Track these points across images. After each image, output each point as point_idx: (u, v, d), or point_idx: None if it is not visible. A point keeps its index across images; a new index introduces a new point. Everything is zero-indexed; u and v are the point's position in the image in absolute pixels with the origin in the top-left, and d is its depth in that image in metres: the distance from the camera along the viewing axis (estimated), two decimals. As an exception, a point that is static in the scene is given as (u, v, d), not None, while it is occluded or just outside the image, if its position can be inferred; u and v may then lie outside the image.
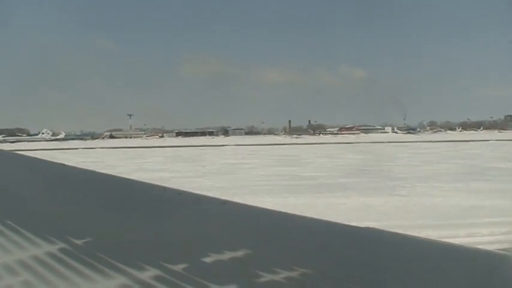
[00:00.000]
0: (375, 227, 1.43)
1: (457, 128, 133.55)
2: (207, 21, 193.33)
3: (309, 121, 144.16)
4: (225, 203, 1.81)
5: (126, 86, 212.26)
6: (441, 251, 1.23)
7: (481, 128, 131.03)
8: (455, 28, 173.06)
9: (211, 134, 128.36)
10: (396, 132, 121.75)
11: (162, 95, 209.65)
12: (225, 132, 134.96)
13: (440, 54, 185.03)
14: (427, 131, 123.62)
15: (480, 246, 1.29)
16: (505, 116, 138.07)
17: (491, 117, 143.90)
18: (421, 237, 1.34)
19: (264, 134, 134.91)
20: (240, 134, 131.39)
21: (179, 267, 0.99)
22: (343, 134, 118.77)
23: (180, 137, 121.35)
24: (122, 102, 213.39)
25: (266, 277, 0.94)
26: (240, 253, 1.08)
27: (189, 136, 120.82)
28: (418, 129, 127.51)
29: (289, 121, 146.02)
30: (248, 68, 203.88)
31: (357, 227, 1.43)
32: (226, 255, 1.06)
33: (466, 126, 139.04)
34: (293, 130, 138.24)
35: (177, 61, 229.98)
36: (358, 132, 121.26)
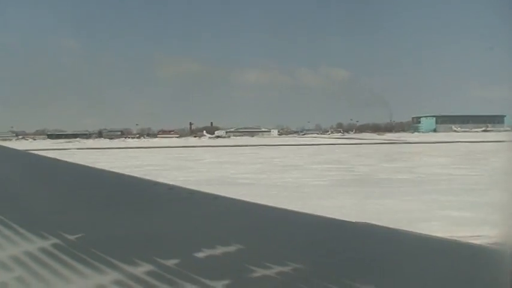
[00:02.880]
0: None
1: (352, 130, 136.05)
2: (183, 22, 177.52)
3: (211, 123, 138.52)
4: (217, 198, 1.82)
5: (97, 87, 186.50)
6: (435, 245, 1.23)
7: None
8: (440, 27, 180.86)
9: (84, 136, 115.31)
10: (281, 134, 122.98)
11: (133, 96, 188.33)
12: (99, 134, 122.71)
13: (429, 53, 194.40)
14: (317, 133, 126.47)
15: (476, 242, 1.30)
16: (412, 118, 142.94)
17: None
18: (415, 232, 1.33)
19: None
20: (115, 136, 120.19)
21: (172, 263, 0.99)
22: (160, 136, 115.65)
23: (48, 139, 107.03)
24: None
25: (259, 272, 0.93)
26: (232, 248, 1.07)
27: (60, 138, 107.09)
28: (304, 132, 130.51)
29: (190, 123, 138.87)
30: (227, 70, 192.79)
31: (351, 222, 1.42)
32: (219, 250, 1.05)
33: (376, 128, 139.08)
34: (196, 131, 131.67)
35: (151, 63, 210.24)
36: (178, 135, 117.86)
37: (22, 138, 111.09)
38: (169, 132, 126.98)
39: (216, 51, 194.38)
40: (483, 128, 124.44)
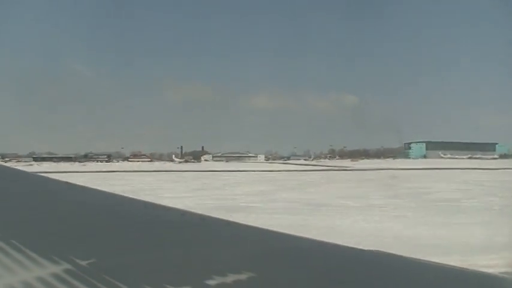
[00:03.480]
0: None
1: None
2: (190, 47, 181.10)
3: (202, 147, 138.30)
4: (229, 224, 1.83)
5: (108, 111, 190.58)
6: (450, 275, 1.21)
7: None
8: (450, 54, 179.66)
9: (68, 159, 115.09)
10: (268, 160, 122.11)
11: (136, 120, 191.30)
12: (85, 157, 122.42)
13: (438, 79, 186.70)
14: (307, 159, 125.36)
15: (491, 271, 1.29)
16: (404, 143, 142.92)
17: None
18: (429, 261, 1.31)
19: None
20: (101, 159, 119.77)
21: None
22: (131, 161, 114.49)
23: (34, 162, 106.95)
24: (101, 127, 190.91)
25: None
26: (243, 276, 1.06)
27: (45, 161, 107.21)
28: (285, 158, 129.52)
29: (181, 147, 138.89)
30: (234, 94, 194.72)
31: (364, 250, 1.41)
32: (230, 278, 1.04)
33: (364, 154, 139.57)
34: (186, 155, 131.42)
35: (158, 87, 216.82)
36: (150, 159, 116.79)
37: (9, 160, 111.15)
38: (140, 156, 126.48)
39: (220, 75, 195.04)
40: (469, 156, 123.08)
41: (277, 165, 73.56)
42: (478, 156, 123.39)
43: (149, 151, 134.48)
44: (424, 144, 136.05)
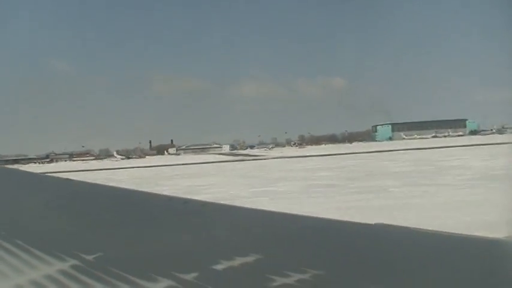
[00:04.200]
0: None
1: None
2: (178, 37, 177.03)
3: (171, 140, 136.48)
4: (232, 208, 1.87)
5: (94, 105, 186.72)
6: (452, 242, 1.23)
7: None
8: (438, 32, 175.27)
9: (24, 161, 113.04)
10: (236, 149, 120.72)
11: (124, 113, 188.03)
12: (46, 157, 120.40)
13: (427, 57, 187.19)
14: (267, 147, 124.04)
15: (491, 236, 1.29)
16: (372, 126, 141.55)
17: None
18: (431, 230, 1.34)
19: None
20: (62, 159, 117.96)
21: (191, 276, 1.00)
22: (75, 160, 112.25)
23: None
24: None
25: (278, 281, 0.94)
26: (250, 258, 1.08)
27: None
28: (256, 146, 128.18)
29: (150, 141, 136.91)
30: (223, 85, 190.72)
31: (365, 223, 1.42)
32: (237, 262, 1.07)
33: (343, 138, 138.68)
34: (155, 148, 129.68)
35: (148, 79, 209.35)
36: (94, 157, 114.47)
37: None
38: (84, 154, 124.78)
39: (207, 65, 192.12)
40: (433, 134, 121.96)
41: (213, 157, 72.28)
42: (445, 134, 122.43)
43: (120, 147, 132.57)
44: (390, 126, 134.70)
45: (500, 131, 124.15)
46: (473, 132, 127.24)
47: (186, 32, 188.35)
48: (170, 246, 1.31)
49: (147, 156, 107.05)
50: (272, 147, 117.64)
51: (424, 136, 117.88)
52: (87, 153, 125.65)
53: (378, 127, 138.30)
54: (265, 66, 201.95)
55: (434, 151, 43.15)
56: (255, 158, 58.33)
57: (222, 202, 1.95)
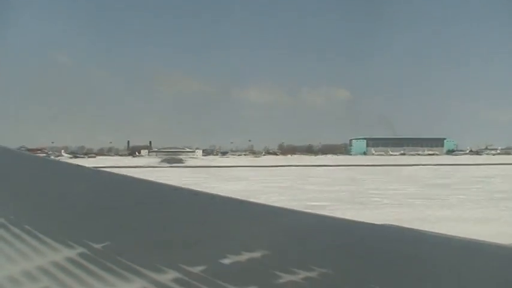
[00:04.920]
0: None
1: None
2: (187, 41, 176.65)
3: (150, 142, 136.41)
4: (242, 202, 1.85)
5: (97, 104, 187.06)
6: (462, 246, 1.24)
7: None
8: (442, 48, 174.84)
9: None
10: (206, 155, 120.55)
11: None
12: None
13: (429, 75, 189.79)
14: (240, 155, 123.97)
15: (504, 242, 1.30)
16: (350, 140, 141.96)
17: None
18: (440, 233, 1.34)
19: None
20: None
21: (198, 269, 1.00)
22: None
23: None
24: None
25: (285, 278, 0.95)
26: (257, 254, 1.09)
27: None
28: (229, 153, 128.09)
29: (128, 141, 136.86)
30: (228, 89, 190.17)
31: (375, 224, 1.44)
32: (244, 256, 1.08)
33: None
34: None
35: (151, 80, 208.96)
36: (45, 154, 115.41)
37: None
38: (35, 150, 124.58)
39: (212, 69, 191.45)
40: (401, 152, 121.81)
41: (148, 161, 72.93)
42: (418, 152, 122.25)
43: (101, 145, 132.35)
44: (365, 141, 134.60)
45: (478, 152, 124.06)
46: (450, 152, 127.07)
47: (190, 34, 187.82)
48: (178, 238, 1.30)
49: (98, 157, 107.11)
50: (239, 155, 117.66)
51: (393, 153, 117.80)
52: (39, 150, 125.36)
53: (353, 141, 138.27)
54: (267, 74, 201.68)
55: (355, 168, 42.70)
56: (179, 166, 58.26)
57: (232, 196, 1.95)
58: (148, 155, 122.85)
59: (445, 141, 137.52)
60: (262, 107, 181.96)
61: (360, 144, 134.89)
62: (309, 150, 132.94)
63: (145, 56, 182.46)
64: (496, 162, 53.62)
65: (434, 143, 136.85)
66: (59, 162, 4.06)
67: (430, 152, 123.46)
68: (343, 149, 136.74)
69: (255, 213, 1.69)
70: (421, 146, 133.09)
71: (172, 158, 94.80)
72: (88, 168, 3.07)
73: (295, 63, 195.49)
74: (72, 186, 2.43)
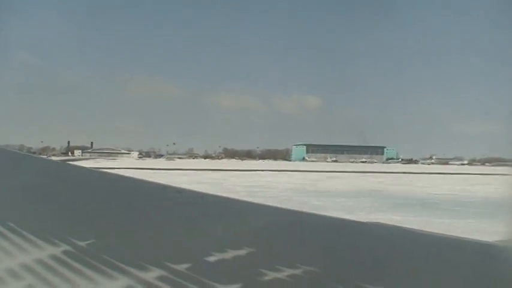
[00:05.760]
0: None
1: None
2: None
3: (91, 143, 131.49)
4: (227, 200, 1.85)
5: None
6: (445, 243, 1.26)
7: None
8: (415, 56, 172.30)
9: None
10: (141, 157, 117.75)
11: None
12: None
13: (405, 82, 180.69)
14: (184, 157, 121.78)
15: (482, 239, 1.30)
16: (293, 145, 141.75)
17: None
18: (426, 231, 1.37)
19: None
20: None
21: (183, 267, 0.99)
22: None
23: None
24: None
25: (270, 275, 0.93)
26: (243, 252, 1.08)
27: None
28: (165, 156, 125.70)
29: (68, 142, 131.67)
30: (196, 93, 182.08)
31: (362, 222, 1.44)
32: (230, 254, 1.06)
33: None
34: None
35: (118, 82, 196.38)
36: None
37: None
38: None
39: (184, 73, 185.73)
40: (334, 159, 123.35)
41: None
42: (351, 159, 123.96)
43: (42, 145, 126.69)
44: (305, 147, 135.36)
45: (415, 160, 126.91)
46: (388, 160, 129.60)
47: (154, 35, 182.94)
48: (163, 236, 1.29)
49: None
50: (173, 158, 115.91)
51: (327, 160, 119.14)
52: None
53: (293, 147, 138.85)
54: (238, 79, 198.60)
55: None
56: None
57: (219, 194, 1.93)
58: (82, 155, 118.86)
59: (385, 149, 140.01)
60: (230, 112, 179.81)
61: (299, 150, 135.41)
62: (249, 155, 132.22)
63: (110, 57, 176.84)
64: (398, 171, 54.18)
65: (375, 151, 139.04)
66: (44, 160, 4.02)
67: (363, 160, 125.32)
68: (285, 155, 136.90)
69: (240, 211, 1.70)
70: (365, 154, 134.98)
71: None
72: (75, 166, 3.06)
73: (268, 68, 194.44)
74: (56, 185, 2.37)
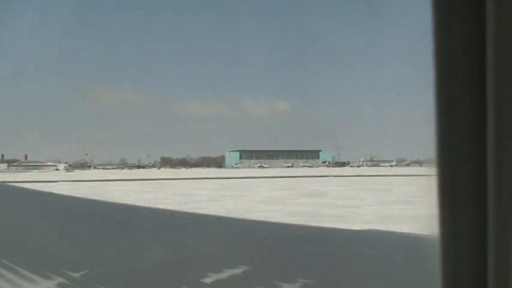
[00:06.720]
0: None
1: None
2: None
3: (25, 155, 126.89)
4: (219, 219, 1.78)
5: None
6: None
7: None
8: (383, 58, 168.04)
9: None
10: (68, 169, 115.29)
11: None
12: None
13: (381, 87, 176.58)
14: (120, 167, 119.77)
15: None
16: (226, 152, 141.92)
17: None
18: (422, 235, 1.32)
19: None
20: None
21: None
22: None
23: None
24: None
25: None
26: (239, 270, 1.06)
27: None
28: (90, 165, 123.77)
29: (2, 155, 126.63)
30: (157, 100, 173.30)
31: (357, 230, 1.35)
32: (226, 274, 1.04)
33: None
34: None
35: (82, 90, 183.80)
36: None
37: None
38: None
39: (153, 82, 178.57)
40: (259, 164, 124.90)
41: None
42: (286, 164, 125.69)
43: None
44: (239, 152, 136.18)
45: (348, 162, 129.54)
46: (323, 163, 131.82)
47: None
48: (158, 260, 1.22)
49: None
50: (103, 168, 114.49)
51: (258, 165, 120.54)
52: None
53: (227, 153, 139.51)
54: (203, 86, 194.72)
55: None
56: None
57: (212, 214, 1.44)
58: (8, 169, 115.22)
59: (320, 153, 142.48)
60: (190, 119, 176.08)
61: (232, 156, 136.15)
62: (183, 163, 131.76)
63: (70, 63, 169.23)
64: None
65: (311, 155, 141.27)
66: (29, 190, 4.07)
67: (288, 164, 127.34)
68: (220, 161, 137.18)
69: (234, 229, 1.62)
70: (301, 158, 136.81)
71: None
72: (59, 195, 3.22)
73: (235, 74, 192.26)
74: (46, 215, 2.33)
